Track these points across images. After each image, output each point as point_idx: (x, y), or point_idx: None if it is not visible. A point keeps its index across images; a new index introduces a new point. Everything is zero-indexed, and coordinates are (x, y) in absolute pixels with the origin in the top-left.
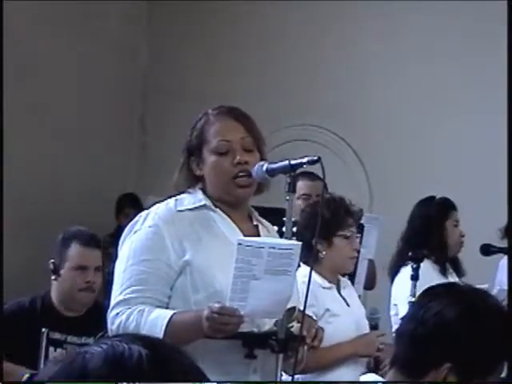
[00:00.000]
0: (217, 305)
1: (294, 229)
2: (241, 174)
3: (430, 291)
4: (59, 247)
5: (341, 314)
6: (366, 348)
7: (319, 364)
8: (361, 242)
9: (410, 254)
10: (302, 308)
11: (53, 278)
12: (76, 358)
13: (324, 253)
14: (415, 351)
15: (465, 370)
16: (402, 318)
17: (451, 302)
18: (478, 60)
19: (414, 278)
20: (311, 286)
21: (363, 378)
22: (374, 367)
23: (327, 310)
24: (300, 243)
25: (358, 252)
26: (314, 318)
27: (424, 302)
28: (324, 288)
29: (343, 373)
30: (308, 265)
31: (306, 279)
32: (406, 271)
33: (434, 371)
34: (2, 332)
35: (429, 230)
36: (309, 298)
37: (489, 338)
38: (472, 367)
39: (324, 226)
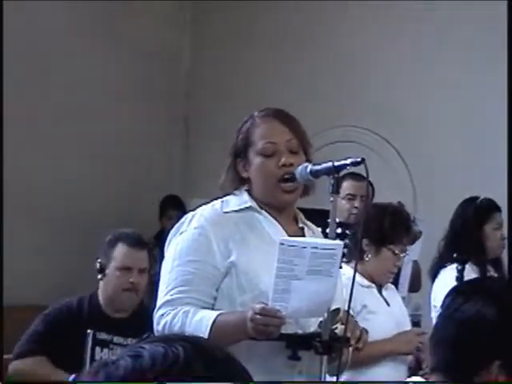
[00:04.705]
0: (258, 306)
1: (339, 230)
2: (286, 176)
3: (459, 293)
4: (106, 247)
5: (379, 311)
6: (405, 345)
7: (356, 361)
8: None
9: (455, 255)
10: (345, 308)
11: (99, 277)
12: (121, 359)
13: (369, 256)
14: (459, 355)
15: None
16: (435, 326)
17: (487, 303)
18: None
19: (459, 279)
20: (349, 283)
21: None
22: (416, 367)
23: (364, 306)
24: (342, 243)
25: (398, 269)
26: (351, 312)
27: (456, 305)
28: (363, 286)
29: (382, 370)
30: (351, 264)
31: (347, 276)
32: (446, 273)
33: (483, 371)
34: (49, 333)
35: (466, 232)
36: (346, 293)
37: None
38: None
39: (380, 235)
